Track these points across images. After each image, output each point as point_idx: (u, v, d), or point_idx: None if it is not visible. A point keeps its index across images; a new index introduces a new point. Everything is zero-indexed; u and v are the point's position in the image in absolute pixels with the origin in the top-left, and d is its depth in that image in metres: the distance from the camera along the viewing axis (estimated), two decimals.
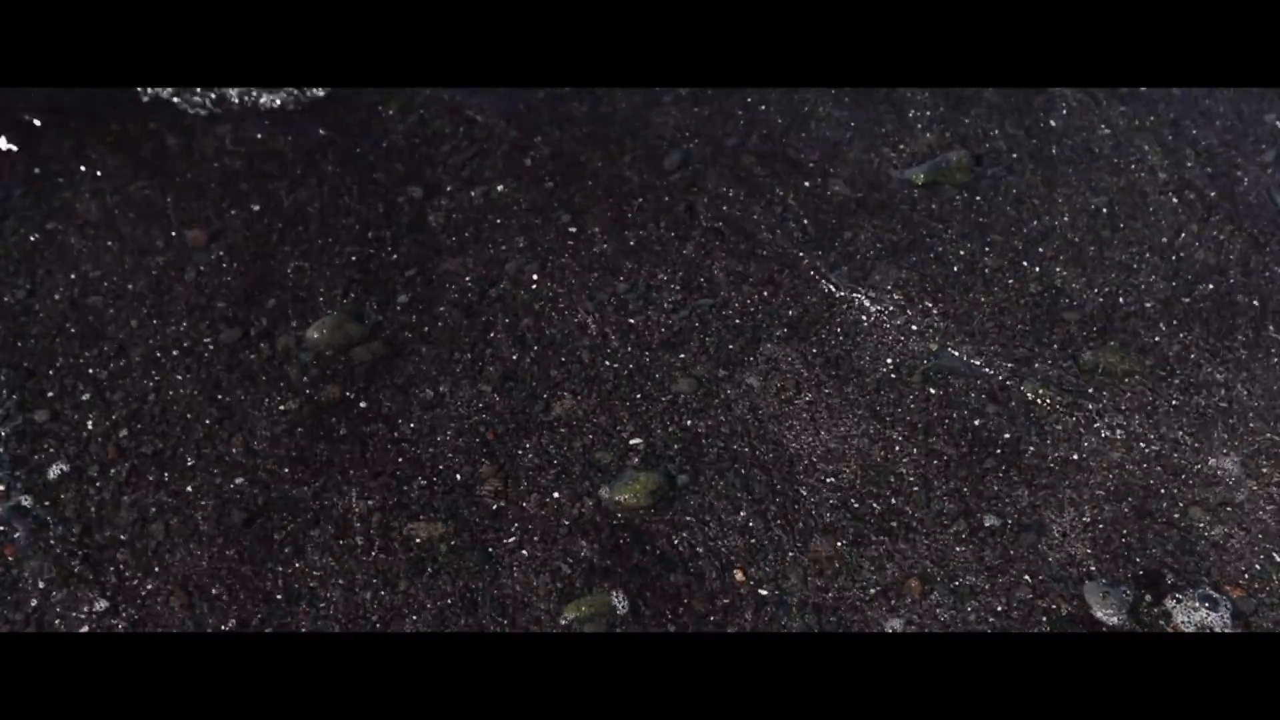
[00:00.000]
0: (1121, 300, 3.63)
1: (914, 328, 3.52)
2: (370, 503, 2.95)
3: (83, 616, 2.69)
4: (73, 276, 3.56)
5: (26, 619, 2.69)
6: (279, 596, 2.72)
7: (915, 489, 2.97)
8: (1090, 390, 3.27)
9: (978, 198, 3.98)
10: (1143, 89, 4.54)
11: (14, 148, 4.01)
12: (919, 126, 4.26)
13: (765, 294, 3.65)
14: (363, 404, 3.25)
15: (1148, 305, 3.61)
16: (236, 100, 4.02)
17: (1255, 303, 3.61)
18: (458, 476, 3.03)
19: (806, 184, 3.99)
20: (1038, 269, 3.76)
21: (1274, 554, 2.78)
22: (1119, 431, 3.14)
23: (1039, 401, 3.23)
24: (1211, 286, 3.68)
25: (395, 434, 3.16)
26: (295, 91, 3.72)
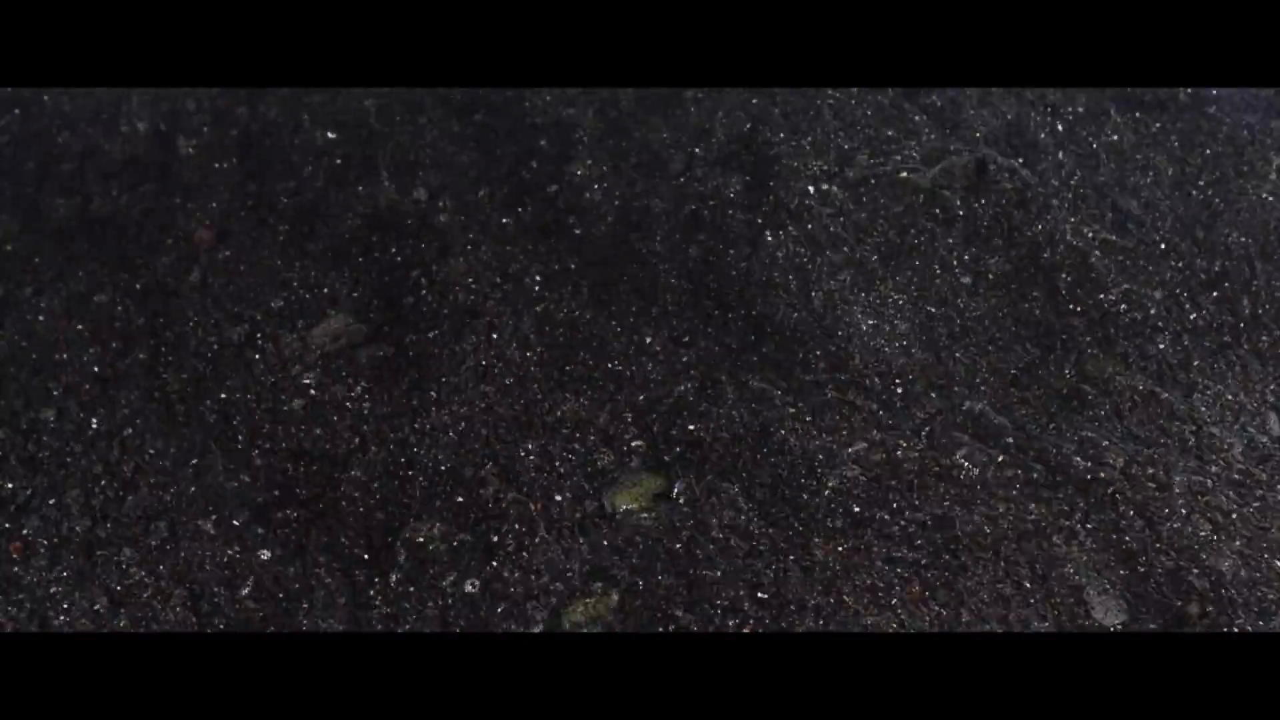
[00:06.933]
0: (1124, 308, 3.63)
1: (917, 335, 3.52)
2: (371, 503, 2.96)
3: (85, 613, 2.70)
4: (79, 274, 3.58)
5: (30, 616, 2.70)
6: (280, 596, 2.74)
7: (916, 495, 2.97)
8: (1091, 398, 3.27)
9: (980, 203, 3.98)
10: (1146, 92, 4.54)
11: None
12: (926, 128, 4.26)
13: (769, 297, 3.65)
14: (366, 403, 3.26)
15: (1151, 313, 3.61)
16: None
17: (1258, 312, 3.61)
18: (459, 478, 3.04)
19: (810, 189, 3.99)
20: (1040, 276, 3.76)
21: (1276, 564, 2.78)
22: (1119, 440, 3.14)
23: (1039, 409, 3.23)
24: (1216, 294, 3.68)
25: (397, 434, 3.17)
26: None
